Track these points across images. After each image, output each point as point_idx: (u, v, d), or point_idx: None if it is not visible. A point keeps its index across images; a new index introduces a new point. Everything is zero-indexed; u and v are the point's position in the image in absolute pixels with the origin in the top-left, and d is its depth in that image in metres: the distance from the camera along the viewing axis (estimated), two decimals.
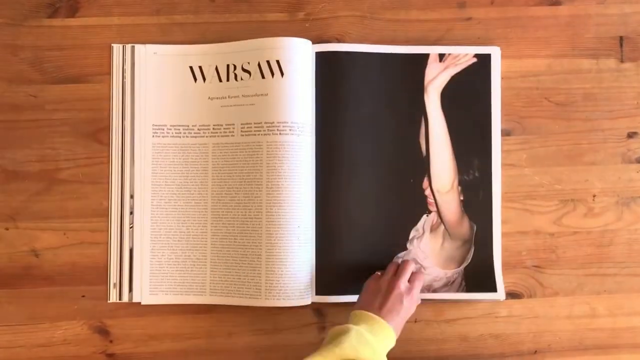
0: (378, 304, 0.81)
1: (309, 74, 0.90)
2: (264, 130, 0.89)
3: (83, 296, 0.91)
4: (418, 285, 0.85)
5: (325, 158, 0.91)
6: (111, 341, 0.91)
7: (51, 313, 0.91)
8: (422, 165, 0.92)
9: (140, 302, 0.91)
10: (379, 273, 0.87)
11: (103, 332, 0.91)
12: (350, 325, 0.78)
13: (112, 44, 0.92)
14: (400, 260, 0.90)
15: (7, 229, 0.91)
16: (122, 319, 0.91)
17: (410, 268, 0.86)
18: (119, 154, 0.92)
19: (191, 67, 0.92)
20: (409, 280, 0.85)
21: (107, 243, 0.91)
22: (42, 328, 0.91)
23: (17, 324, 0.91)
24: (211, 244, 0.91)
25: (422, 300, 0.88)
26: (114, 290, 0.91)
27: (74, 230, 0.91)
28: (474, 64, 0.92)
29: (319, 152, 0.91)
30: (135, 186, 0.91)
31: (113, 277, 0.91)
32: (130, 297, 0.91)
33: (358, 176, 0.91)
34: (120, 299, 0.91)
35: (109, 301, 0.91)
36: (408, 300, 0.82)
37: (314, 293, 0.90)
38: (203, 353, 0.91)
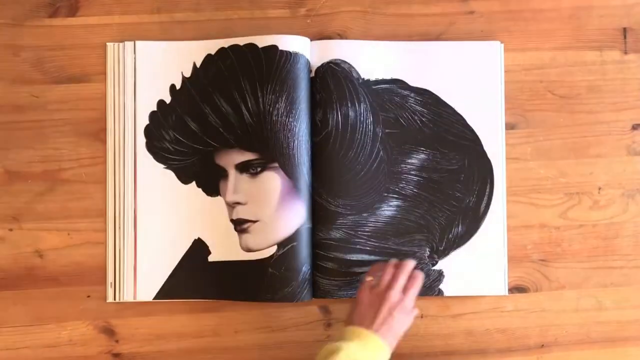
0: (370, 318, 0.78)
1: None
2: None
3: (88, 296, 0.91)
4: (412, 294, 0.81)
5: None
6: (117, 341, 0.91)
7: (56, 313, 0.91)
8: None
9: (142, 301, 0.91)
10: (370, 279, 0.83)
11: (109, 332, 0.91)
12: (341, 344, 0.75)
13: (107, 43, 0.92)
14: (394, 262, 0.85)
15: (11, 230, 0.91)
16: (127, 318, 0.91)
17: (404, 274, 0.82)
18: (113, 153, 0.91)
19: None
20: (405, 288, 0.81)
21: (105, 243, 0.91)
22: (47, 329, 0.91)
23: (23, 324, 0.91)
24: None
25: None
26: (111, 290, 0.91)
27: (78, 231, 0.91)
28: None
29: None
30: (128, 186, 0.91)
31: (110, 277, 0.91)
32: (125, 297, 0.90)
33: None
34: (115, 299, 0.90)
35: (107, 301, 0.91)
36: (400, 312, 0.79)
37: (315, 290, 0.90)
38: (209, 351, 0.91)
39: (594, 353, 0.93)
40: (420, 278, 0.83)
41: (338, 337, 0.78)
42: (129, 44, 0.92)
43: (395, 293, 0.80)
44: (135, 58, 0.92)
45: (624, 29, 0.95)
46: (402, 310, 0.79)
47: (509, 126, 0.93)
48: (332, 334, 0.92)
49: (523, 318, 0.93)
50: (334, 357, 0.73)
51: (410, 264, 0.83)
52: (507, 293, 0.92)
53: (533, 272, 0.93)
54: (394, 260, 0.85)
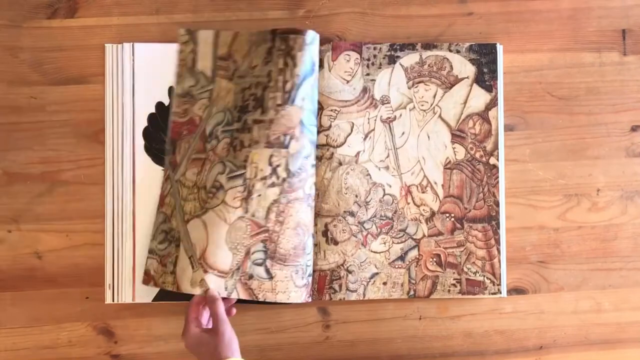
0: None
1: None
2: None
3: (87, 297, 0.91)
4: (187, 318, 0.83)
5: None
6: (116, 342, 0.91)
7: (55, 315, 0.91)
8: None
9: (141, 303, 0.91)
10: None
11: (107, 333, 0.91)
12: None
13: (105, 44, 0.92)
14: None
15: (9, 231, 0.91)
16: (126, 319, 0.91)
17: (191, 312, 0.83)
18: (111, 155, 0.91)
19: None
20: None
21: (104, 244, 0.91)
22: (46, 330, 0.91)
23: (22, 326, 0.91)
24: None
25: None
26: (109, 292, 0.91)
27: (76, 232, 0.91)
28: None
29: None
30: (127, 187, 0.91)
31: (108, 278, 0.91)
32: (123, 298, 0.90)
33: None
34: (113, 300, 0.90)
35: (105, 302, 0.91)
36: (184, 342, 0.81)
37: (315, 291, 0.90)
38: None
39: (593, 355, 0.93)
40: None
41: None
42: (127, 46, 0.92)
43: (186, 329, 0.81)
44: (133, 60, 0.92)
45: (623, 31, 0.95)
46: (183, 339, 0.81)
47: (508, 128, 0.93)
48: (332, 335, 0.92)
49: (522, 320, 0.93)
50: None
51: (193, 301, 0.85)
52: (505, 295, 0.92)
53: (532, 274, 0.93)
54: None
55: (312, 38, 0.87)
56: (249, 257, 0.86)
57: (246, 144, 0.87)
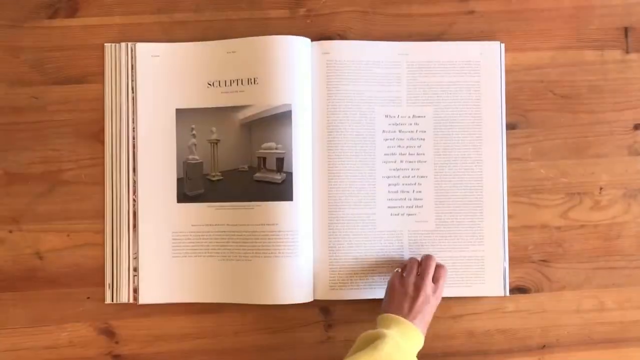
0: (407, 308, 0.81)
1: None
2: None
3: (88, 298, 0.91)
4: (443, 283, 0.85)
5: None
6: (117, 342, 0.91)
7: (56, 315, 0.91)
8: None
9: (142, 303, 0.90)
10: (400, 270, 0.86)
11: (108, 333, 0.91)
12: (384, 331, 0.77)
13: (105, 44, 0.92)
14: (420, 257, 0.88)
15: (10, 231, 0.91)
16: (127, 320, 0.91)
17: (433, 265, 0.85)
18: (110, 155, 0.91)
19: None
20: (433, 278, 0.84)
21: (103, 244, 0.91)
22: (47, 330, 0.91)
23: (22, 326, 0.91)
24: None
25: None
26: (109, 292, 0.90)
27: (77, 232, 0.91)
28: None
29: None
30: (126, 187, 0.91)
31: (108, 278, 0.90)
32: (122, 298, 0.90)
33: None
34: (112, 301, 0.90)
35: (105, 302, 0.90)
36: (435, 301, 0.83)
37: (317, 290, 0.90)
38: (209, 352, 0.91)
39: (596, 354, 0.92)
40: (446, 269, 0.86)
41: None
42: (126, 45, 0.92)
43: (429, 282, 0.83)
44: (130, 59, 0.91)
45: (625, 29, 0.94)
46: (437, 298, 0.84)
47: (510, 126, 0.93)
48: (333, 335, 0.91)
49: (524, 319, 0.92)
50: (380, 343, 0.75)
51: (434, 257, 0.86)
52: (508, 294, 0.91)
53: (534, 273, 0.93)
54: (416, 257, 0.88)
55: None
56: None
57: None
